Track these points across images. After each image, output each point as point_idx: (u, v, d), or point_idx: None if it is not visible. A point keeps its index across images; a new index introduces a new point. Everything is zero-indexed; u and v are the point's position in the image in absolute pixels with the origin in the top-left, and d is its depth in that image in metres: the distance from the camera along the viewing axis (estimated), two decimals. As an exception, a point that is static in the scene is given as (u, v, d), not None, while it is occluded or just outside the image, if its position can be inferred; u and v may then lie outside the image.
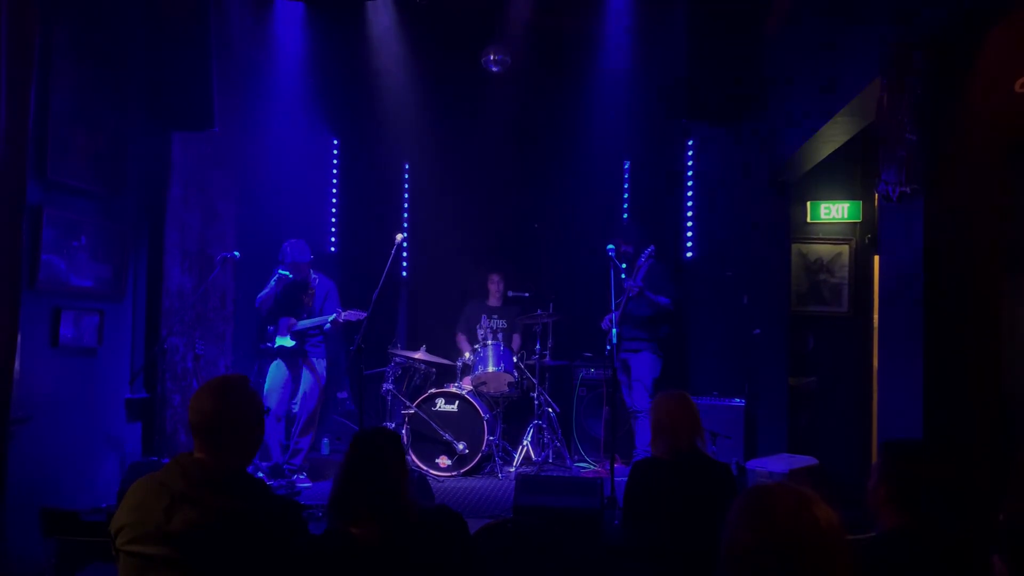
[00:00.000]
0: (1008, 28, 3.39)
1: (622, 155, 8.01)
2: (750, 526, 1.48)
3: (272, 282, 6.05)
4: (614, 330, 5.79)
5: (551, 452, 6.61)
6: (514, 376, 6.78)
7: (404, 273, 8.53)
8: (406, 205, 8.69)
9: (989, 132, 3.47)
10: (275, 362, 6.12)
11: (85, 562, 3.67)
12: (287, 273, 6.00)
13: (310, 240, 6.33)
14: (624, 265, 6.57)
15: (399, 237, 5.87)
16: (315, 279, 6.21)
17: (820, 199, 5.95)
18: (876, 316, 4.65)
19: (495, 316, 7.39)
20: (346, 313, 5.91)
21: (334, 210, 8.41)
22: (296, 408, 6.15)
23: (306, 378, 6.13)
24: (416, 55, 7.45)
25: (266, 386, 6.06)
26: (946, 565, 2.07)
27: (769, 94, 5.50)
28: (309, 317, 6.09)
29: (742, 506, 1.52)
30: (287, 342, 6.06)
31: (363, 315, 5.81)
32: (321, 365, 6.20)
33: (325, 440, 7.25)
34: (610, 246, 5.81)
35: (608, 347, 5.69)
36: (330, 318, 5.95)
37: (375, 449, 2.38)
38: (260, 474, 5.71)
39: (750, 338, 6.05)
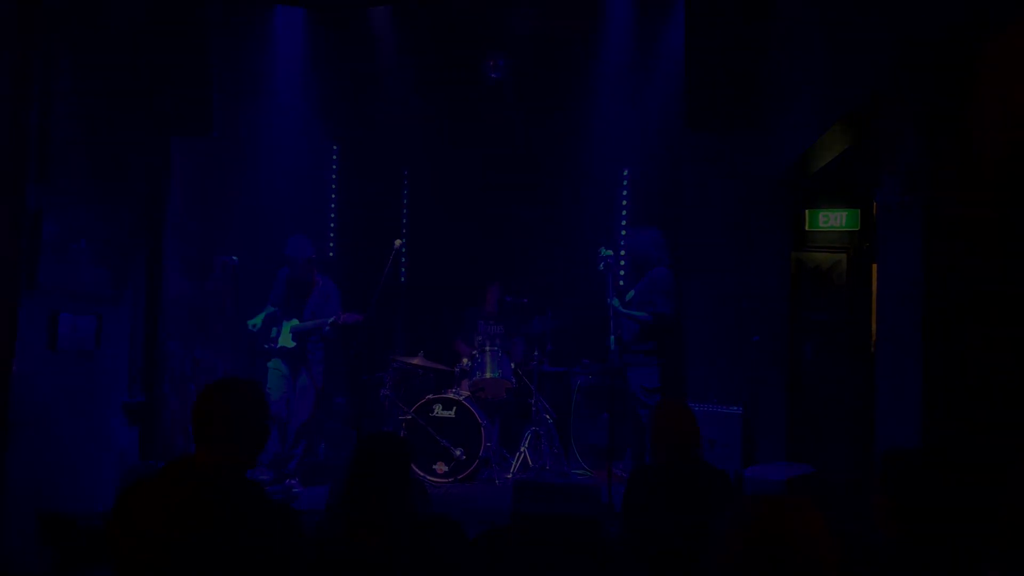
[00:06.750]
0: (1011, 39, 3.40)
1: (621, 163, 8.03)
2: (739, 537, 1.49)
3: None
4: (611, 336, 5.79)
5: (548, 459, 6.60)
6: (512, 382, 6.77)
7: (403, 279, 8.53)
8: (405, 211, 8.69)
9: (989, 141, 3.48)
10: (273, 362, 6.12)
11: (83, 566, 3.66)
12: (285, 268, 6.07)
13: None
14: (623, 273, 6.58)
15: (398, 243, 5.89)
16: (320, 280, 6.22)
17: (819, 207, 5.96)
18: (874, 324, 4.66)
19: (492, 322, 7.38)
20: (345, 316, 5.91)
21: (333, 215, 8.42)
22: (292, 413, 6.13)
23: (303, 383, 6.12)
24: (416, 62, 7.47)
25: (267, 387, 6.06)
26: (946, 574, 2.07)
27: (769, 102, 5.52)
28: (312, 318, 6.08)
29: (731, 517, 1.53)
30: (289, 343, 6.05)
31: (360, 318, 5.82)
32: (318, 370, 6.19)
33: (322, 446, 7.24)
34: (608, 251, 5.86)
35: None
36: (329, 320, 5.95)
37: (380, 455, 2.38)
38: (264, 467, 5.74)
39: (748, 345, 6.06)
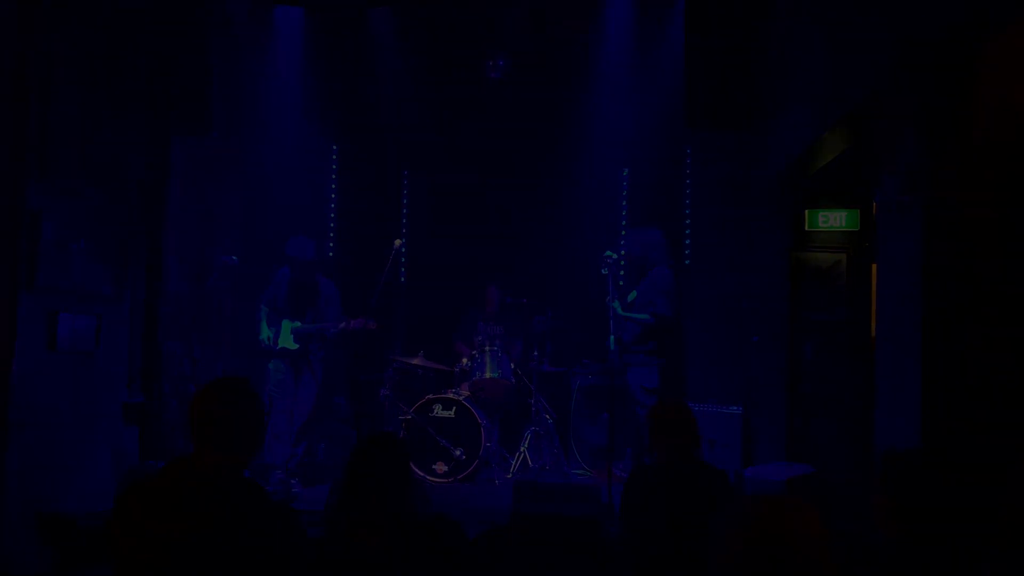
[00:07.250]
0: (1011, 39, 3.40)
1: (621, 163, 8.03)
2: (739, 537, 1.49)
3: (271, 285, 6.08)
4: (611, 336, 5.79)
5: (548, 459, 6.60)
6: (512, 382, 6.77)
7: (402, 279, 8.53)
8: (404, 211, 8.70)
9: (990, 141, 3.48)
10: (274, 363, 6.12)
11: (82, 566, 3.66)
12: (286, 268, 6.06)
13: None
14: (623, 273, 6.57)
15: (397, 243, 5.91)
16: (321, 283, 6.23)
17: (819, 207, 5.96)
18: (874, 324, 4.66)
19: (492, 322, 7.38)
20: (354, 322, 5.92)
21: (333, 215, 8.42)
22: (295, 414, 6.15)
23: (305, 385, 6.13)
24: (416, 62, 7.47)
25: (270, 388, 6.06)
26: (946, 574, 2.07)
27: (768, 103, 5.52)
28: (314, 321, 6.10)
29: (731, 517, 1.53)
30: (290, 344, 6.05)
31: (371, 323, 5.84)
32: (319, 369, 6.20)
33: (322, 446, 7.24)
34: (612, 253, 5.88)
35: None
36: (340, 325, 5.97)
37: (377, 457, 2.37)
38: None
39: (748, 345, 6.06)
